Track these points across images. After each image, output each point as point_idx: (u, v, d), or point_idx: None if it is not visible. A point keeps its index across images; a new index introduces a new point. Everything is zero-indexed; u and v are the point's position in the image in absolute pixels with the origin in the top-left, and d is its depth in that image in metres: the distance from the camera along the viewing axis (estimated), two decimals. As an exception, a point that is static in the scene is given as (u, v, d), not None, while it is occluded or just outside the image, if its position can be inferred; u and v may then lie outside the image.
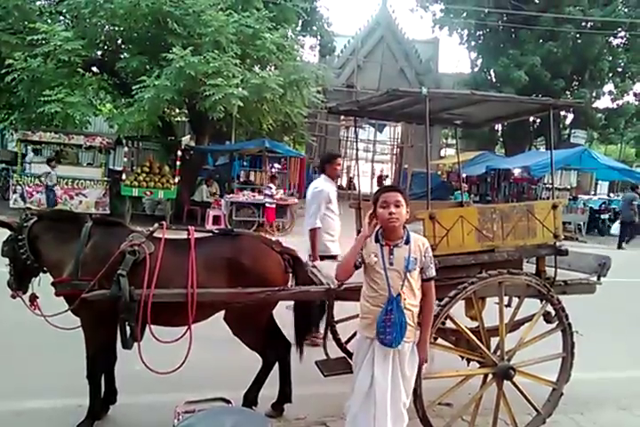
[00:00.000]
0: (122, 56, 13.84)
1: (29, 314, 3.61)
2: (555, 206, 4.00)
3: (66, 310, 3.48)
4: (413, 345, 3.04)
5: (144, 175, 14.08)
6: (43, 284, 3.74)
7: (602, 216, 19.28)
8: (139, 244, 3.44)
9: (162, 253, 3.45)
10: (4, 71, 12.41)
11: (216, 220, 13.80)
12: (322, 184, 5.65)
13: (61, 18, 14.52)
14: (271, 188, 14.20)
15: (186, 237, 3.62)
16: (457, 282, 3.64)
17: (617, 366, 5.52)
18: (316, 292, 3.84)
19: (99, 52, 14.31)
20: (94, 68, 14.71)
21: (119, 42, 14.42)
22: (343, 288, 3.69)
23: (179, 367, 3.44)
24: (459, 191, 14.00)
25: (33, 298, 3.66)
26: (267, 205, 13.81)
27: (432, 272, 3.02)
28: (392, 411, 3.02)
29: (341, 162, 5.79)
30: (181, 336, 3.48)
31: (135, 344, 3.40)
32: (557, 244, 4.03)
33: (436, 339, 3.89)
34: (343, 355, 4.51)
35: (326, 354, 3.98)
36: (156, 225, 3.61)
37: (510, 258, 3.89)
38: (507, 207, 3.97)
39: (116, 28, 13.49)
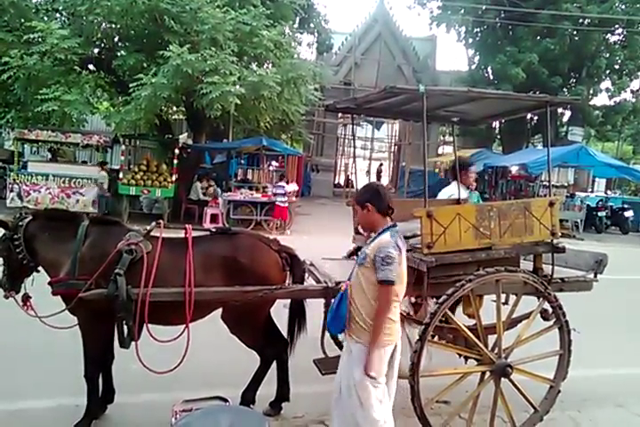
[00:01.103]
0: (119, 54, 13.78)
1: (25, 314, 3.61)
2: (552, 204, 4.00)
3: (63, 310, 3.47)
4: (365, 349, 2.95)
5: (141, 174, 14.04)
6: (36, 284, 3.73)
7: (599, 214, 19.30)
8: (136, 243, 3.43)
9: (159, 252, 3.45)
10: (0, 69, 12.36)
11: (214, 218, 13.78)
12: (455, 190, 5.26)
13: (58, 15, 14.45)
14: (283, 187, 14.15)
15: (183, 235, 3.61)
16: (454, 280, 3.64)
17: (614, 363, 5.53)
18: (313, 290, 3.84)
19: (95, 50, 14.24)
20: (91, 66, 14.63)
21: (116, 39, 14.36)
22: (341, 287, 3.69)
23: (176, 367, 3.45)
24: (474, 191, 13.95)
25: (26, 298, 3.65)
26: (278, 203, 13.80)
27: (382, 275, 2.85)
28: (337, 419, 3.02)
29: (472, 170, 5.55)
30: (179, 335, 3.48)
31: (133, 343, 3.40)
32: (554, 241, 4.03)
33: (433, 337, 3.90)
34: (340, 353, 4.51)
35: (324, 352, 3.98)
36: (153, 224, 3.61)
37: (507, 255, 3.89)
38: (504, 205, 3.96)
39: (113, 26, 13.44)
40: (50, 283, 3.48)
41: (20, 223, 3.60)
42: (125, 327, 3.36)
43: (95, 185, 13.98)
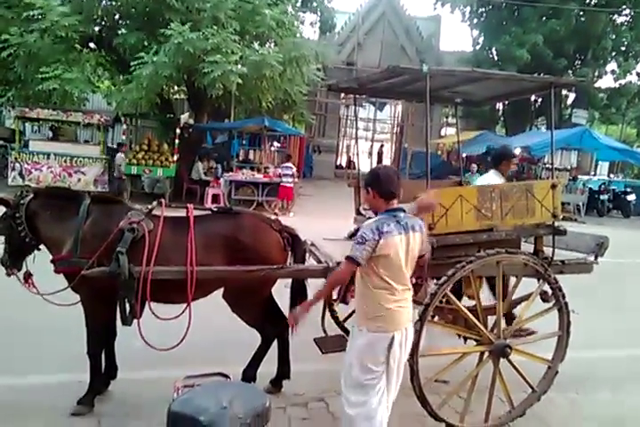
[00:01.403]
0: (119, 32, 13.66)
1: (27, 291, 3.63)
2: (554, 186, 4.00)
3: (66, 288, 3.49)
4: (361, 333, 2.96)
5: (143, 153, 14.04)
6: (37, 262, 3.75)
7: (601, 197, 19.26)
8: (137, 221, 3.44)
9: (161, 231, 3.46)
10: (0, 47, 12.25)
11: (215, 198, 13.78)
12: (493, 180, 4.91)
13: (57, -8, 14.28)
14: (291, 167, 14.13)
15: (185, 215, 3.62)
16: (455, 261, 3.65)
17: (614, 345, 5.58)
18: (314, 270, 3.86)
19: (96, 28, 14.09)
20: (92, 44, 14.52)
21: (117, 17, 14.22)
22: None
23: (177, 344, 3.48)
24: (474, 174, 13.89)
25: (27, 276, 3.68)
26: (285, 184, 13.79)
27: (349, 252, 2.89)
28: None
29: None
30: (181, 313, 3.51)
31: (135, 321, 3.43)
32: (556, 223, 4.03)
33: (433, 317, 3.92)
34: (341, 333, 4.56)
35: (324, 331, 4.03)
36: (155, 203, 3.61)
37: (508, 237, 3.90)
38: (506, 187, 3.96)
39: (114, 3, 13.33)
40: (52, 261, 3.50)
41: (22, 201, 3.60)
42: (127, 305, 3.39)
43: (98, 164, 13.95)
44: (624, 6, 21.72)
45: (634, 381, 4.83)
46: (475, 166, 14.27)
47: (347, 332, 4.88)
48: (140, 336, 3.42)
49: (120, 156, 13.71)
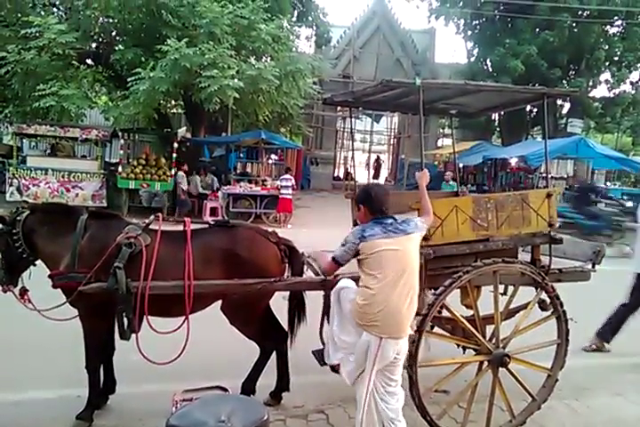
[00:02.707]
0: (116, 48, 13.75)
1: (24, 307, 3.63)
2: (549, 195, 4.02)
3: (64, 303, 3.50)
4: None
5: (140, 167, 14.05)
6: (34, 277, 3.75)
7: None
8: (135, 236, 3.45)
9: (158, 245, 3.47)
10: (-3, 64, 12.35)
11: (213, 211, 13.80)
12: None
13: (55, 10, 14.45)
14: (291, 179, 14.18)
15: (182, 228, 3.63)
16: (452, 271, 3.66)
17: (612, 352, 5.57)
18: (311, 282, 3.87)
19: (93, 45, 14.24)
20: (89, 61, 14.63)
21: (114, 34, 14.35)
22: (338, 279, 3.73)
23: (176, 358, 3.47)
24: (449, 182, 13.99)
25: (23, 292, 3.67)
26: (284, 196, 13.83)
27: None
28: None
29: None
30: (179, 327, 3.51)
31: (133, 335, 3.43)
32: (552, 232, 4.05)
33: (432, 327, 3.92)
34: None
35: (323, 343, 4.01)
36: (152, 217, 3.63)
37: (505, 247, 3.91)
38: (501, 197, 3.98)
39: (111, 20, 13.44)
40: (50, 276, 3.51)
41: (18, 217, 3.61)
42: (125, 320, 3.39)
43: (96, 179, 13.97)
44: (616, 17, 21.92)
45: (633, 387, 4.82)
46: (449, 173, 14.17)
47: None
48: (139, 351, 3.41)
49: (180, 174, 14.11)
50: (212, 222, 3.98)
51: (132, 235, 3.46)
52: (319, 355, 3.98)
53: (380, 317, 2.99)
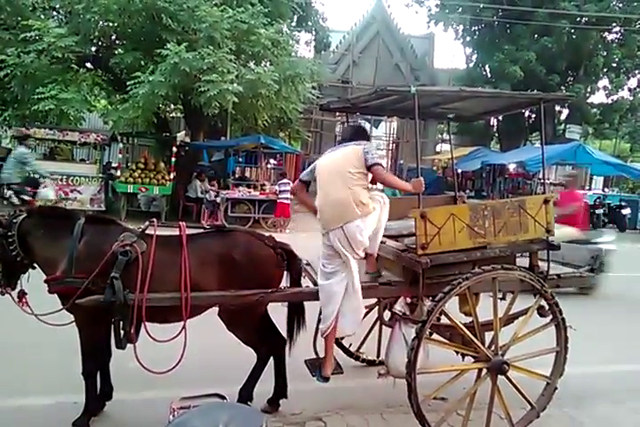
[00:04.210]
0: (116, 52, 13.78)
1: (21, 311, 3.61)
2: (546, 201, 4.01)
3: (60, 309, 3.47)
4: None
5: (139, 171, 14.05)
6: (33, 281, 3.73)
7: (596, 211, 19.30)
8: (130, 244, 3.43)
9: (154, 252, 3.45)
10: (-4, 67, 12.34)
11: (212, 216, 13.79)
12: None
13: (55, 14, 14.45)
14: (289, 183, 14.18)
15: (177, 233, 3.62)
16: (450, 280, 3.64)
17: (612, 360, 5.55)
18: (309, 293, 3.86)
19: (93, 48, 14.22)
20: (88, 64, 14.62)
21: (113, 38, 14.36)
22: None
23: (174, 367, 3.45)
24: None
25: (21, 295, 3.64)
26: (282, 201, 13.83)
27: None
28: None
29: None
30: (176, 336, 3.49)
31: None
32: (549, 238, 4.04)
33: (431, 334, 3.91)
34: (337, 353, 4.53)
35: (316, 353, 4.01)
36: (147, 223, 3.61)
37: (503, 254, 3.90)
38: (498, 203, 3.97)
39: (110, 24, 13.43)
40: (46, 281, 3.49)
41: (14, 220, 3.58)
42: (121, 330, 3.37)
43: (95, 183, 13.95)
44: (614, 24, 22.05)
45: (633, 395, 4.80)
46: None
47: (345, 351, 4.87)
48: (136, 359, 3.39)
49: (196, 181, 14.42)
50: (208, 227, 3.97)
51: (128, 242, 3.44)
52: (311, 365, 3.97)
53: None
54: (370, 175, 3.80)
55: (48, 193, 11.89)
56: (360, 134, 4.13)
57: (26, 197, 10.07)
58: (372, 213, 3.77)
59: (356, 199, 3.68)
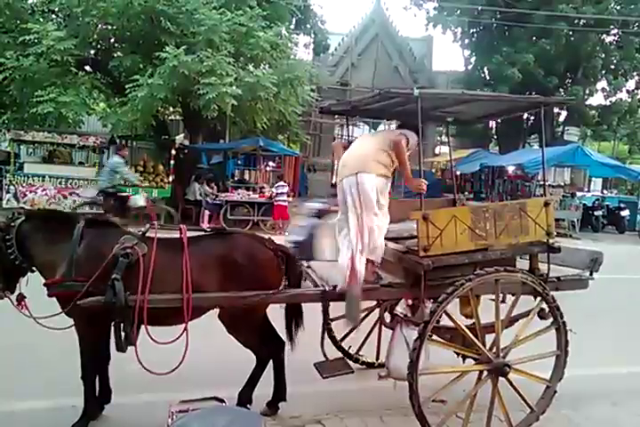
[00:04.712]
0: (115, 55, 13.78)
1: (21, 314, 3.60)
2: (547, 204, 4.01)
3: (60, 313, 3.46)
4: None
5: (138, 174, 14.03)
6: (32, 284, 3.72)
7: (595, 213, 19.34)
8: (131, 246, 3.42)
9: (155, 254, 3.44)
10: (-5, 70, 12.34)
11: (211, 219, 13.77)
12: None
13: (53, 17, 14.44)
14: (286, 186, 14.20)
15: (178, 236, 3.61)
16: (451, 282, 3.64)
17: (611, 362, 5.54)
18: (311, 294, 3.85)
19: (92, 51, 14.22)
20: (87, 68, 14.63)
21: (112, 41, 14.37)
22: (338, 291, 3.73)
23: (174, 369, 3.44)
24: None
25: (20, 298, 3.62)
26: (280, 203, 13.84)
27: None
28: None
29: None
30: (177, 338, 3.48)
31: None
32: (550, 241, 4.04)
33: (431, 336, 3.91)
34: (341, 355, 4.53)
35: (324, 355, 4.00)
36: (148, 225, 3.60)
37: (503, 256, 3.90)
38: (499, 206, 3.98)
39: (109, 27, 13.44)
40: (46, 285, 3.47)
41: (13, 224, 3.56)
42: (122, 332, 3.36)
43: (94, 186, 13.92)
44: (612, 26, 22.11)
45: (632, 397, 4.79)
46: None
47: (344, 352, 4.86)
48: (138, 361, 3.38)
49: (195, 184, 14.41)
50: (208, 229, 3.97)
51: (128, 245, 3.43)
52: (320, 368, 3.96)
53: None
54: (395, 163, 4.00)
55: (138, 199, 12.13)
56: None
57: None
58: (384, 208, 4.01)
59: (377, 158, 3.93)
